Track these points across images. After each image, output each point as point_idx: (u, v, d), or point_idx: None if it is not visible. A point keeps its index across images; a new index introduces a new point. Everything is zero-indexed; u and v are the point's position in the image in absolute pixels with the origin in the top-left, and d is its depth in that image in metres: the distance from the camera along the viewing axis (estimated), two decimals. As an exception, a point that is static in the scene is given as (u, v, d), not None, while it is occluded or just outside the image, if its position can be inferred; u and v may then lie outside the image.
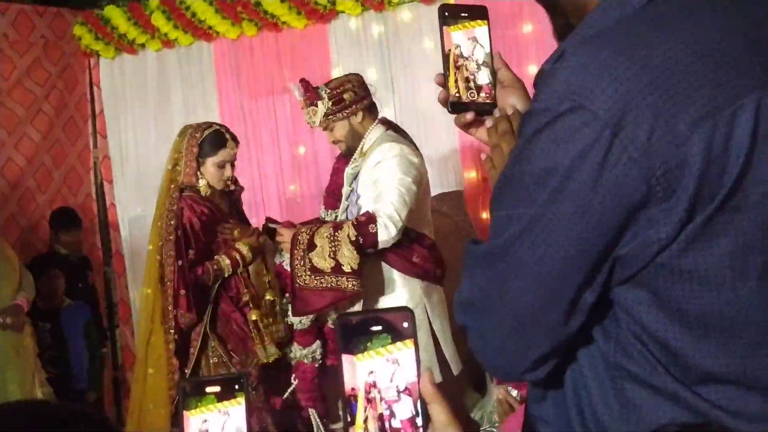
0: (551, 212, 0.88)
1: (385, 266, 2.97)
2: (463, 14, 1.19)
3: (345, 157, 3.21)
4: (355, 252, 2.74)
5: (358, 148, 3.03)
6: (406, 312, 0.81)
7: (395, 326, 0.80)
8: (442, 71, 1.17)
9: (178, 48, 5.30)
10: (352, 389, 0.79)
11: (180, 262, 3.10)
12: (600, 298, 0.92)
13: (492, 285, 0.95)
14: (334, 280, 2.77)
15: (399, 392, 0.80)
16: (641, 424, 0.91)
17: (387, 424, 0.79)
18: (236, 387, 0.93)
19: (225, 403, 0.92)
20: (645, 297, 0.89)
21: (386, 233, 2.76)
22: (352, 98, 3.01)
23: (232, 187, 3.32)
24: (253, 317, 3.17)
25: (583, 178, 0.85)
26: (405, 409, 0.79)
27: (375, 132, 3.01)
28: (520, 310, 0.93)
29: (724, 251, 0.85)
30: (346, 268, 2.75)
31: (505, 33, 4.82)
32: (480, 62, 1.17)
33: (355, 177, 3.03)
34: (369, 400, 0.79)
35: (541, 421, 1.04)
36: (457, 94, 1.16)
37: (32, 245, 4.97)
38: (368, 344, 0.80)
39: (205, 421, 0.92)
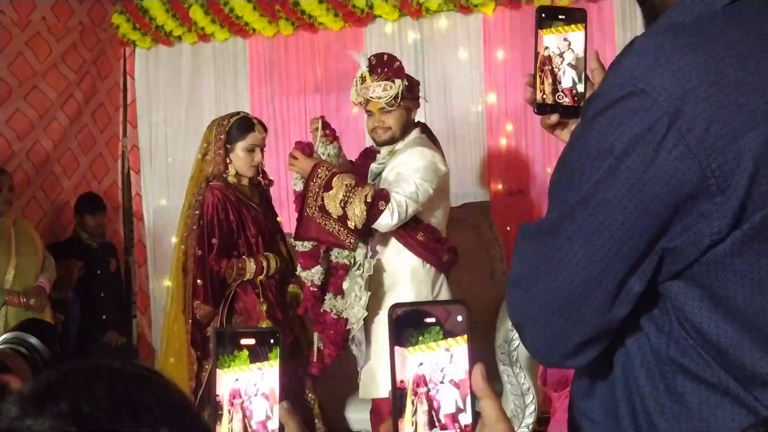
0: (602, 192, 0.88)
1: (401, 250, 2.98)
2: (560, 16, 1.20)
3: (370, 153, 3.20)
4: (365, 212, 2.73)
5: (390, 147, 3.00)
6: (460, 305, 0.79)
7: (448, 319, 0.79)
8: (531, 72, 1.19)
9: (214, 42, 5.33)
10: (402, 382, 0.78)
11: (200, 252, 3.09)
12: (651, 291, 0.91)
13: (540, 261, 0.95)
14: (336, 227, 2.79)
15: (448, 387, 0.78)
16: (693, 421, 0.89)
17: (435, 418, 0.78)
18: (271, 341, 0.91)
19: (259, 363, 0.91)
20: (696, 293, 0.89)
21: (389, 217, 2.77)
22: (418, 94, 3.02)
23: (261, 178, 3.31)
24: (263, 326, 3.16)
25: (636, 162, 0.85)
26: (453, 403, 0.78)
27: (411, 135, 3.00)
28: (565, 289, 0.92)
29: None
30: (351, 224, 2.75)
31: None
32: (569, 66, 1.19)
33: (379, 174, 3.01)
34: (417, 394, 0.78)
35: (587, 419, 1.03)
36: (543, 96, 1.18)
37: (56, 230, 5.00)
38: (420, 337, 0.78)
39: (237, 380, 0.90)
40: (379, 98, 2.87)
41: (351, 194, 2.75)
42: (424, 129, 3.11)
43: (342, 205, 2.75)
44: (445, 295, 2.99)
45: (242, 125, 3.22)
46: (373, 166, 3.05)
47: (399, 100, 2.89)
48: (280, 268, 3.27)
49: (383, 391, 2.87)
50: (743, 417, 0.88)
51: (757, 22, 0.87)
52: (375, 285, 2.96)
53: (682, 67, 0.83)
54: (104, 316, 4.72)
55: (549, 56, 1.19)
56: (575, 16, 1.21)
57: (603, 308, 0.91)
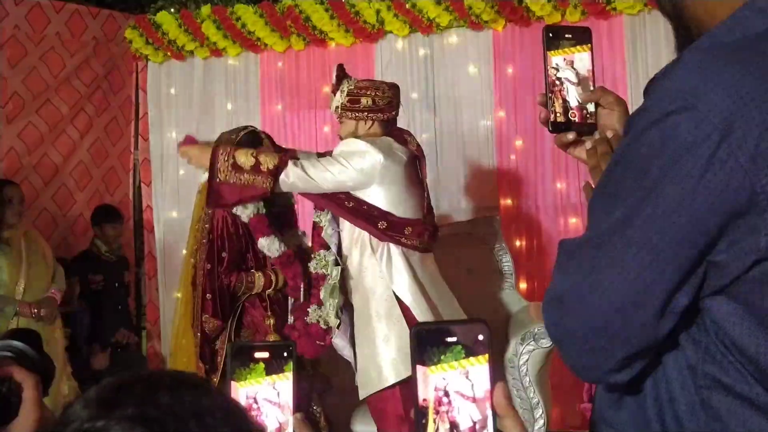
0: (651, 207, 0.87)
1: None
2: (567, 35, 1.23)
3: None
4: (276, 159, 2.88)
5: None
6: (482, 324, 0.81)
7: (470, 338, 0.80)
8: (543, 92, 1.22)
9: (226, 57, 5.38)
10: (424, 400, 0.79)
11: (209, 266, 3.10)
12: (689, 306, 0.91)
13: (585, 278, 0.94)
14: (251, 177, 2.89)
15: (470, 405, 0.79)
16: None
17: None
18: (285, 354, 0.93)
19: (273, 376, 0.93)
20: (737, 310, 0.88)
21: (286, 178, 2.89)
22: (369, 105, 3.00)
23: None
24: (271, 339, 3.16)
25: (686, 177, 0.85)
26: (474, 422, 0.79)
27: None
28: (611, 305, 0.91)
29: None
30: (263, 168, 2.87)
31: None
32: (577, 86, 1.21)
33: None
34: (439, 412, 0.79)
35: (613, 430, 1.02)
36: (557, 115, 1.20)
37: (70, 242, 5.03)
38: (442, 357, 0.79)
39: (253, 392, 0.93)
40: (330, 107, 3.12)
41: (260, 151, 2.94)
42: (396, 135, 3.10)
43: (253, 155, 2.90)
44: (394, 266, 2.97)
45: (251, 140, 3.23)
46: None
47: (339, 110, 3.05)
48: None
49: (377, 382, 2.91)
50: None
51: None
52: (347, 290, 3.03)
53: (732, 83, 0.83)
54: (118, 327, 4.76)
55: (560, 77, 1.21)
56: (581, 37, 1.24)
57: (649, 323, 0.91)
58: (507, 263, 4.17)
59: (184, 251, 3.33)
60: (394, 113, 3.06)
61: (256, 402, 0.93)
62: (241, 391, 0.92)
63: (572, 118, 1.20)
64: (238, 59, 5.38)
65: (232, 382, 0.93)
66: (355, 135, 3.01)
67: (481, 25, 4.80)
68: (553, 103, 1.20)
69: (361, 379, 3.03)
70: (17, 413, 0.90)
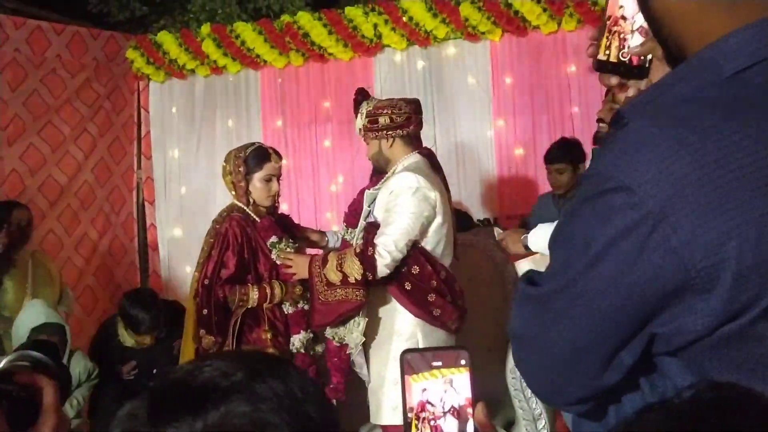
0: (586, 282, 0.90)
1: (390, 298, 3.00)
2: None
3: (375, 177, 3.25)
4: (359, 263, 2.84)
5: (390, 172, 3.06)
6: (462, 350, 0.85)
7: (453, 362, 0.83)
8: (599, 26, 1.14)
9: (226, 74, 5.42)
10: (411, 408, 0.82)
11: (207, 282, 3.08)
12: (646, 357, 0.93)
13: (536, 326, 0.98)
14: (343, 292, 2.87)
15: (448, 413, 0.82)
16: None
17: None
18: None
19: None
20: (688, 372, 0.90)
21: (381, 260, 2.83)
22: (387, 124, 3.04)
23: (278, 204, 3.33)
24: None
25: (619, 258, 0.86)
26: (455, 429, 0.82)
27: (407, 160, 3.04)
28: (557, 355, 0.95)
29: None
30: (351, 279, 2.85)
31: (548, 73, 4.86)
32: (639, 28, 1.13)
33: (374, 199, 3.06)
34: (420, 419, 0.82)
35: None
36: (607, 53, 1.13)
37: (76, 263, 5.06)
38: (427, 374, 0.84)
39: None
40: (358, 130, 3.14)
41: (342, 256, 2.89)
42: (427, 155, 3.14)
43: (339, 269, 2.87)
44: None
45: (258, 156, 3.22)
46: (368, 192, 3.12)
47: (362, 132, 3.09)
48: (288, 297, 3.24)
49: (386, 418, 2.93)
50: None
51: (751, 106, 0.84)
52: (372, 310, 3.01)
53: (668, 166, 0.82)
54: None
55: (621, 15, 1.13)
56: None
57: (593, 376, 0.93)
58: (509, 271, 4.17)
59: (188, 268, 3.33)
60: (412, 127, 3.09)
61: None
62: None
63: (623, 59, 1.12)
64: (239, 76, 5.42)
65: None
66: (378, 155, 3.07)
67: (478, 36, 4.84)
68: (609, 41, 1.12)
69: (372, 404, 3.05)
70: (36, 418, 0.93)
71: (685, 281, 0.83)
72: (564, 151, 4.08)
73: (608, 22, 1.12)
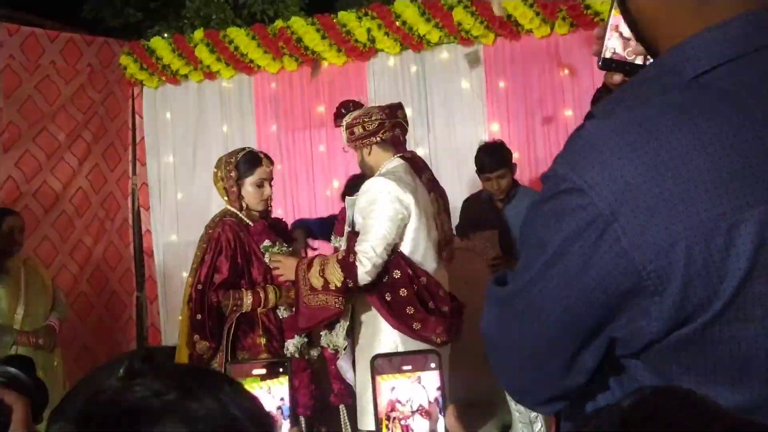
0: (544, 282, 0.90)
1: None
2: None
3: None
4: (340, 270, 2.85)
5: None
6: (433, 354, 0.88)
7: (422, 366, 0.84)
8: (603, 22, 1.12)
9: (220, 80, 5.42)
10: (381, 410, 0.84)
11: (200, 287, 3.09)
12: (612, 358, 0.93)
13: (501, 326, 0.99)
14: (324, 298, 2.89)
15: (417, 413, 0.83)
16: None
17: None
18: (280, 370, 0.99)
19: (268, 381, 0.98)
20: (649, 373, 0.90)
21: (362, 267, 2.85)
22: (360, 133, 3.08)
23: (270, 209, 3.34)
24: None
25: (572, 259, 0.86)
26: (425, 428, 0.83)
27: (389, 165, 3.06)
28: (522, 354, 0.96)
29: (725, 355, 0.84)
30: (331, 286, 2.86)
31: (542, 77, 4.86)
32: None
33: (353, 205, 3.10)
34: (390, 418, 0.83)
35: None
36: (614, 51, 1.12)
37: (71, 270, 5.05)
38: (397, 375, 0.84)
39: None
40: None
41: (326, 262, 2.91)
42: (409, 159, 3.13)
43: (321, 274, 2.89)
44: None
45: (249, 161, 3.24)
46: (348, 199, 3.16)
47: (346, 142, 3.15)
48: (283, 302, 3.24)
49: (370, 423, 2.93)
50: None
51: (708, 109, 0.84)
52: (357, 316, 3.04)
53: (620, 168, 0.83)
54: None
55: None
56: None
57: (557, 376, 0.94)
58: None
59: (185, 274, 3.33)
60: (387, 133, 3.08)
61: None
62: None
63: (628, 57, 1.12)
64: (232, 81, 5.43)
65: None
66: (362, 163, 3.12)
67: (471, 41, 4.84)
68: (611, 37, 1.11)
69: (358, 409, 3.05)
70: None
71: (637, 283, 0.83)
72: (499, 157, 4.08)
73: (611, 19, 1.11)
